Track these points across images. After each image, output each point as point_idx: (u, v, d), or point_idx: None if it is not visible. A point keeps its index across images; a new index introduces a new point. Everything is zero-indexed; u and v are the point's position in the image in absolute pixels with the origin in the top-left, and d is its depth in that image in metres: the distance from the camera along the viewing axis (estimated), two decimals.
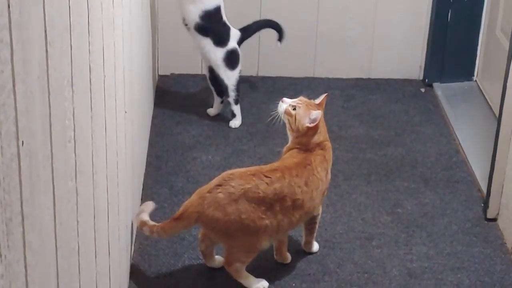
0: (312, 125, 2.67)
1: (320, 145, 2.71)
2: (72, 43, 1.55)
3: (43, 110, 1.31)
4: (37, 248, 1.29)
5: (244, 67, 3.76)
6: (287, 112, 2.70)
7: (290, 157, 2.71)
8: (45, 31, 1.32)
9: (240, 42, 3.65)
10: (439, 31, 4.01)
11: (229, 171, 2.63)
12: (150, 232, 2.62)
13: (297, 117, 2.68)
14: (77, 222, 1.64)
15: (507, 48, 2.95)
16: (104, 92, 2.01)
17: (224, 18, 3.60)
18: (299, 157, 2.69)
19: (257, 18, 4.04)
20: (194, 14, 3.54)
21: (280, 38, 3.80)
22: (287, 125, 2.73)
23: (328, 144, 2.75)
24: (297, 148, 2.72)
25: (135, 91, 2.83)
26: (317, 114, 2.66)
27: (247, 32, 3.72)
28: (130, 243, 2.70)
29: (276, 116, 2.75)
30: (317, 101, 2.75)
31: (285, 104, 2.72)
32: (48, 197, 1.38)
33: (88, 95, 1.76)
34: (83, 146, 1.69)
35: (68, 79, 1.52)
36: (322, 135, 2.72)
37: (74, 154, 1.59)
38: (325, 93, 2.83)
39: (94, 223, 1.88)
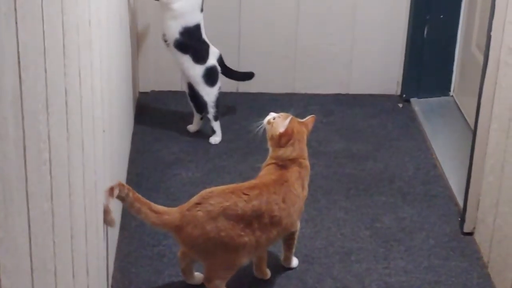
0: (282, 130, 2.71)
1: (295, 162, 2.75)
2: (46, 67, 1.57)
3: (16, 134, 1.33)
4: (12, 271, 1.31)
5: (225, 83, 3.79)
6: (268, 122, 2.79)
7: (267, 174, 2.75)
8: (18, 57, 1.34)
9: (219, 63, 3.68)
10: (416, 47, 4.07)
11: (208, 189, 2.66)
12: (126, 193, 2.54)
13: (274, 125, 2.76)
14: (54, 242, 1.66)
15: (482, 63, 3.00)
16: (81, 113, 2.03)
17: (204, 36, 3.64)
18: (276, 174, 2.73)
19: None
20: (174, 30, 3.57)
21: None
22: (267, 135, 2.79)
23: (305, 163, 2.79)
24: (273, 163, 2.76)
25: (114, 110, 2.86)
26: (289, 120, 2.72)
27: (228, 72, 3.78)
28: (108, 260, 2.71)
29: (260, 126, 2.80)
30: (303, 120, 2.83)
31: (270, 116, 2.80)
32: (22, 219, 1.39)
33: (64, 117, 1.78)
34: (59, 167, 1.71)
35: (43, 103, 1.54)
36: (296, 151, 2.76)
37: (49, 176, 1.61)
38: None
39: (72, 243, 1.89)
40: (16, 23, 1.32)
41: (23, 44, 1.37)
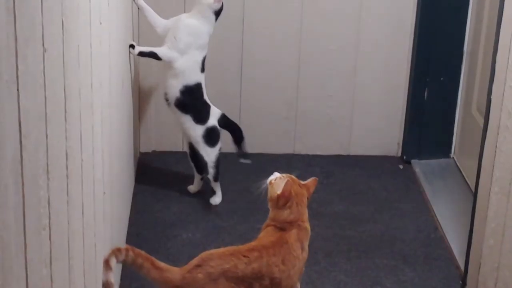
0: (279, 192, 2.71)
1: (293, 224, 2.74)
2: (48, 132, 1.57)
3: (16, 201, 1.33)
4: None
5: (225, 144, 3.80)
6: (270, 182, 2.79)
7: (266, 236, 2.74)
8: (20, 124, 1.34)
9: (220, 123, 3.69)
10: (416, 109, 4.09)
11: (208, 252, 2.65)
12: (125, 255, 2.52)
13: (273, 186, 2.76)
14: None
15: (482, 126, 3.01)
16: (82, 176, 2.03)
17: (205, 96, 3.66)
18: (275, 235, 2.72)
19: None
20: (175, 89, 3.59)
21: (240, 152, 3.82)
22: (268, 195, 2.79)
23: (304, 225, 2.78)
24: (272, 225, 2.76)
25: (114, 171, 2.86)
26: (285, 182, 2.72)
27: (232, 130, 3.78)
28: None
29: (263, 185, 2.80)
30: (305, 182, 2.82)
31: (273, 175, 2.81)
32: (21, 286, 1.39)
33: (64, 181, 1.78)
34: (58, 232, 1.71)
35: (44, 168, 1.55)
36: (294, 214, 2.75)
37: (49, 241, 1.60)
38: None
39: None
40: (18, 90, 1.33)
41: (25, 110, 1.37)
